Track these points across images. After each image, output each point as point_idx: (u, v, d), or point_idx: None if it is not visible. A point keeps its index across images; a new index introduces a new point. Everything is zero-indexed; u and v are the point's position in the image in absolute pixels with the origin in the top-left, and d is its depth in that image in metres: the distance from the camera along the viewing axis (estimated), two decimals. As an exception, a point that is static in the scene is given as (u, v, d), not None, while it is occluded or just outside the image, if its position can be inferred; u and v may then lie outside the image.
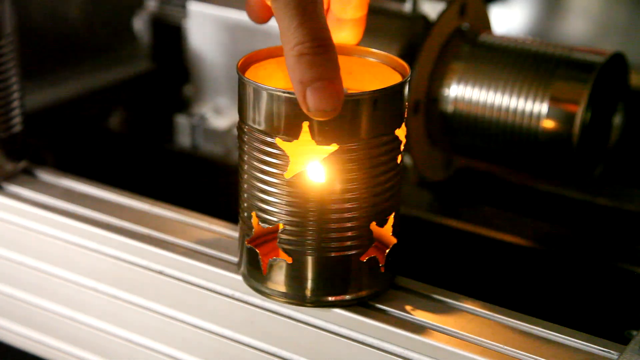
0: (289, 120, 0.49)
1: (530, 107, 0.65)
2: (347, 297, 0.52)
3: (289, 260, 0.52)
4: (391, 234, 0.53)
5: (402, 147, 0.52)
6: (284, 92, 0.48)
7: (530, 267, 0.68)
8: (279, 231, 0.51)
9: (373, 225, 0.51)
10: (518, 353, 0.49)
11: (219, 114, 0.82)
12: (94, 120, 0.88)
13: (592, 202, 0.72)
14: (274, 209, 0.51)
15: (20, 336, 0.67)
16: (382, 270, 0.53)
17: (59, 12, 0.88)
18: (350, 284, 0.52)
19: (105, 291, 0.61)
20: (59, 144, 0.84)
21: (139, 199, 0.64)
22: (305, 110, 0.47)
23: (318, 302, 0.52)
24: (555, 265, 0.68)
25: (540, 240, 0.68)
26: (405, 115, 0.51)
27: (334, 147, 0.49)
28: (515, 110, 0.66)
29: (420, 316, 0.52)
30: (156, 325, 0.59)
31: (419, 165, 0.71)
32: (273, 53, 0.54)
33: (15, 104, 0.68)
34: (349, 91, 0.50)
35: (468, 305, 0.53)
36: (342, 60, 0.55)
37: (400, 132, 0.51)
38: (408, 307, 0.53)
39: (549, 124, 0.65)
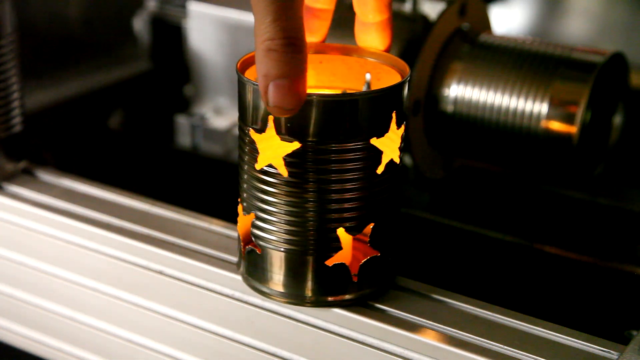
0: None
1: (530, 107, 0.65)
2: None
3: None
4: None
5: (383, 159, 0.51)
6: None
7: (530, 267, 0.68)
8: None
9: (341, 232, 0.51)
10: (518, 353, 0.49)
11: (219, 114, 0.82)
12: (94, 120, 0.88)
13: (592, 202, 0.72)
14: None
15: (20, 336, 0.67)
16: (355, 280, 0.52)
17: (59, 12, 0.88)
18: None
19: (105, 291, 0.61)
20: (59, 144, 0.84)
21: (139, 199, 0.64)
22: (265, 104, 0.47)
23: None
24: (555, 265, 0.68)
25: (541, 240, 0.68)
26: (390, 130, 0.50)
27: (295, 145, 0.49)
28: (515, 110, 0.66)
29: (420, 316, 0.52)
30: (156, 325, 0.59)
31: (419, 165, 0.71)
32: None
33: (15, 104, 0.68)
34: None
35: (468, 305, 0.53)
36: (344, 60, 0.56)
37: (382, 143, 0.50)
38: (408, 307, 0.53)
39: (549, 124, 0.65)
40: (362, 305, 0.53)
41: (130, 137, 0.87)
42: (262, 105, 0.49)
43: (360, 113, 0.49)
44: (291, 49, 0.46)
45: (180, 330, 0.58)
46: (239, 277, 0.55)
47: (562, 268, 0.67)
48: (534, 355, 0.49)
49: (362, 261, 0.52)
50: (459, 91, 0.68)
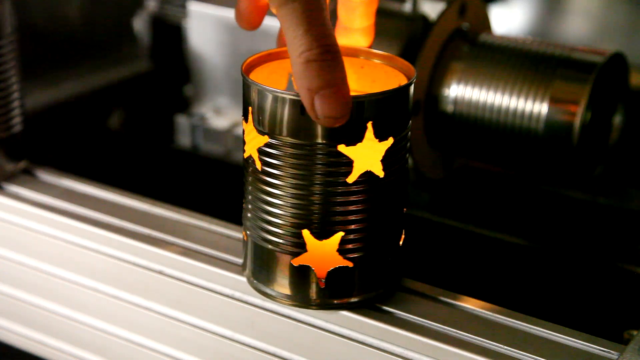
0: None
1: (530, 107, 0.65)
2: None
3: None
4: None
5: (355, 168, 0.49)
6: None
7: (530, 267, 0.68)
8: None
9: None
10: (518, 353, 0.49)
11: (219, 114, 0.82)
12: (94, 120, 0.88)
13: (592, 202, 0.72)
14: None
15: (20, 336, 0.67)
16: (322, 285, 0.51)
17: (59, 12, 0.88)
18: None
19: (105, 291, 0.61)
20: (59, 144, 0.84)
21: (139, 199, 0.64)
22: (314, 118, 0.46)
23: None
24: (555, 265, 0.68)
25: (540, 240, 0.68)
26: (364, 139, 0.49)
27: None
28: (515, 110, 0.66)
29: (420, 316, 0.52)
30: (156, 325, 0.59)
31: (419, 165, 0.71)
32: (278, 55, 0.54)
33: (15, 104, 0.68)
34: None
35: (468, 305, 0.53)
36: (347, 61, 0.56)
37: (354, 152, 0.49)
38: (408, 307, 0.53)
39: (549, 124, 0.65)
40: (364, 306, 0.53)
41: (130, 137, 0.87)
42: (297, 115, 0.48)
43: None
44: (329, 56, 0.46)
45: (180, 330, 0.58)
46: (239, 277, 0.55)
47: (562, 268, 0.67)
48: (534, 355, 0.49)
49: (329, 269, 0.51)
50: (459, 91, 0.68)
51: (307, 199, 0.50)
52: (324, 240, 0.51)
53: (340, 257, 0.51)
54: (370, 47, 0.55)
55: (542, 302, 0.66)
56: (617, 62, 0.68)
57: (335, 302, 0.52)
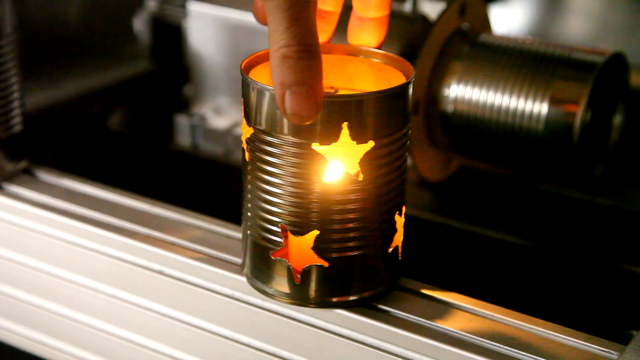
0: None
1: (530, 107, 0.65)
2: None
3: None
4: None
5: (331, 168, 0.50)
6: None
7: (530, 267, 0.68)
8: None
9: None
10: (518, 353, 0.49)
11: (219, 114, 0.82)
12: (94, 120, 0.88)
13: (592, 202, 0.72)
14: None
15: (20, 336, 0.67)
16: (297, 281, 0.52)
17: (59, 12, 0.88)
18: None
19: (105, 291, 0.61)
20: (59, 144, 0.84)
21: (139, 199, 0.64)
22: (282, 113, 0.47)
23: (322, 302, 0.52)
24: (555, 265, 0.68)
25: (540, 240, 0.68)
26: (339, 140, 0.49)
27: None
28: (515, 110, 0.66)
29: (420, 316, 0.52)
30: (156, 325, 0.59)
31: (419, 165, 0.71)
32: None
33: (15, 104, 0.68)
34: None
35: (468, 305, 0.53)
36: (347, 60, 0.56)
37: (330, 152, 0.50)
38: (408, 307, 0.53)
39: (549, 124, 0.65)
40: (363, 305, 0.53)
41: (130, 137, 0.87)
42: (265, 106, 0.49)
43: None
44: (306, 55, 0.46)
45: (180, 330, 0.58)
46: (239, 277, 0.55)
47: (562, 268, 0.67)
48: (534, 355, 0.49)
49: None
50: (459, 91, 0.68)
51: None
52: (300, 238, 0.51)
53: (315, 255, 0.51)
54: (383, 39, 0.55)
55: (542, 302, 0.66)
56: (617, 62, 0.68)
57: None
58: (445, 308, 0.53)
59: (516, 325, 0.52)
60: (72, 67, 0.89)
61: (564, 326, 0.51)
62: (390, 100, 0.50)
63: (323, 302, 0.52)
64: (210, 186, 0.79)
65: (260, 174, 0.51)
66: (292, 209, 0.50)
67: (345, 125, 0.48)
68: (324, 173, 0.50)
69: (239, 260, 0.56)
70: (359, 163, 0.50)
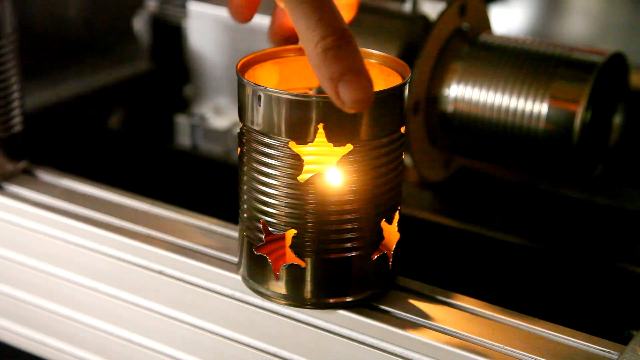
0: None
1: (530, 107, 0.65)
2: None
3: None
4: (397, 230, 0.53)
5: (306, 168, 0.50)
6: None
7: (530, 267, 0.68)
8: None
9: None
10: (518, 353, 0.49)
11: (219, 114, 0.82)
12: (94, 120, 0.88)
13: (592, 202, 0.72)
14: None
15: (20, 336, 0.67)
16: (277, 278, 0.52)
17: (59, 12, 0.88)
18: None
19: (105, 291, 0.61)
20: (59, 144, 0.84)
21: (139, 199, 0.64)
22: (340, 106, 0.46)
23: (319, 303, 0.52)
24: (555, 265, 0.68)
25: (540, 240, 0.68)
26: (314, 140, 0.49)
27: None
28: (515, 110, 0.66)
29: (421, 316, 0.52)
30: (156, 325, 0.59)
31: (419, 165, 0.71)
32: (273, 54, 0.54)
33: (15, 104, 0.68)
34: None
35: (468, 305, 0.53)
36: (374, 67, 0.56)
37: (307, 152, 0.50)
38: (408, 307, 0.53)
39: (549, 124, 0.65)
40: (363, 305, 0.53)
41: (130, 137, 0.87)
42: (296, 114, 0.48)
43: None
44: (344, 41, 0.45)
45: (180, 330, 0.58)
46: (239, 277, 0.55)
47: (561, 268, 0.67)
48: (534, 355, 0.49)
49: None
50: (459, 91, 0.68)
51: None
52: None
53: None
54: (349, 21, 0.54)
55: (542, 302, 0.66)
56: (617, 62, 0.68)
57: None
58: (445, 308, 0.53)
59: (516, 325, 0.52)
60: (72, 67, 0.89)
61: (564, 326, 0.51)
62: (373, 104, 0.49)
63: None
64: (210, 186, 0.79)
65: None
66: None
67: (321, 126, 0.48)
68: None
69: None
70: (336, 166, 0.49)
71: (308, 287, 0.52)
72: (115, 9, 0.93)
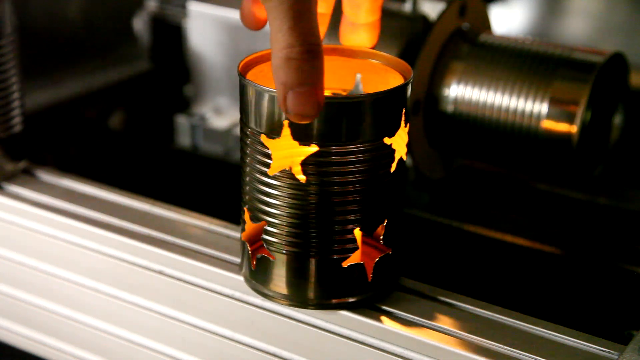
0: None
1: (530, 107, 0.65)
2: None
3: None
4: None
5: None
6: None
7: (530, 267, 0.68)
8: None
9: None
10: (518, 353, 0.49)
11: (219, 114, 0.82)
12: (94, 120, 0.88)
13: (592, 202, 0.72)
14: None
15: (20, 336, 0.67)
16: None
17: (59, 12, 0.88)
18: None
19: (105, 291, 0.61)
20: (59, 144, 0.84)
21: (139, 199, 0.64)
22: (284, 111, 0.47)
23: (320, 304, 0.52)
24: (555, 265, 0.68)
25: (541, 240, 0.69)
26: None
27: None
28: (515, 110, 0.66)
29: (420, 316, 0.52)
30: (156, 325, 0.59)
31: (419, 165, 0.71)
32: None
33: (15, 104, 0.68)
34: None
35: (468, 305, 0.53)
36: (346, 62, 0.56)
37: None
38: (408, 307, 0.53)
39: (549, 124, 0.65)
40: (364, 307, 0.53)
41: (130, 137, 0.87)
42: (265, 108, 0.49)
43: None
44: (310, 55, 0.46)
45: (180, 330, 0.58)
46: (239, 277, 0.55)
47: (561, 268, 0.67)
48: (534, 355, 0.49)
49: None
50: (459, 91, 0.68)
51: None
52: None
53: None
54: (376, 42, 0.55)
55: (542, 302, 0.66)
56: (617, 62, 0.68)
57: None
58: (445, 308, 0.53)
59: (516, 325, 0.52)
60: (72, 67, 0.89)
61: (564, 326, 0.51)
62: (335, 108, 0.49)
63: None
64: (210, 186, 0.79)
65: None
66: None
67: (286, 123, 0.49)
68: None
69: (239, 260, 0.56)
70: (301, 165, 0.49)
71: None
72: (115, 9, 0.93)
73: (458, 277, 0.67)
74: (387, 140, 0.50)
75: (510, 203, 0.74)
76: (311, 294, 0.52)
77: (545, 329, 0.51)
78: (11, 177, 0.67)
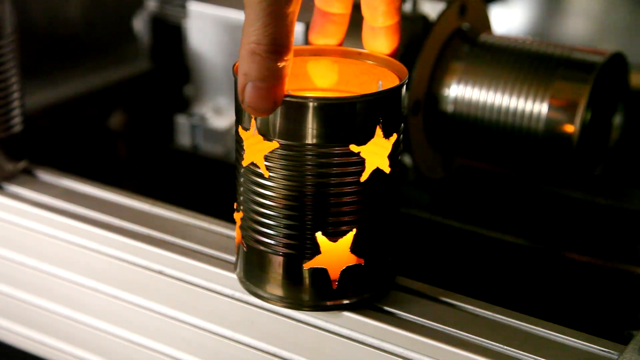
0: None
1: (530, 107, 0.65)
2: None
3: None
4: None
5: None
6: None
7: (530, 267, 0.68)
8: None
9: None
10: (518, 353, 0.49)
11: (219, 114, 0.82)
12: (94, 120, 0.88)
13: (592, 202, 0.72)
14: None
15: (20, 336, 0.67)
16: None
17: (59, 12, 0.88)
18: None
19: (105, 291, 0.61)
20: (59, 144, 0.84)
21: (139, 199, 0.64)
22: (240, 101, 0.48)
23: (315, 306, 0.52)
24: (555, 265, 0.68)
25: (541, 240, 0.69)
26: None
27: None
28: (515, 110, 0.66)
29: (420, 316, 0.52)
30: (156, 325, 0.60)
31: (419, 165, 0.71)
32: None
33: (15, 104, 0.68)
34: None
35: (468, 305, 0.53)
36: (345, 63, 0.55)
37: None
38: (408, 308, 0.53)
39: (549, 124, 0.65)
40: (364, 306, 0.53)
41: (130, 137, 0.87)
42: (292, 116, 0.49)
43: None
44: (275, 56, 0.47)
45: (180, 330, 0.58)
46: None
47: (562, 268, 0.67)
48: (534, 355, 0.49)
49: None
50: (459, 91, 0.68)
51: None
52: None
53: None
54: (397, 46, 0.55)
55: (542, 302, 0.66)
56: (617, 62, 0.68)
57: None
58: (445, 308, 0.53)
59: (516, 325, 0.52)
60: (72, 67, 0.89)
61: (564, 326, 0.51)
62: (288, 108, 0.49)
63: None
64: (210, 186, 0.79)
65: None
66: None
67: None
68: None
69: (239, 260, 0.57)
70: (264, 159, 0.50)
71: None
72: (115, 9, 0.93)
73: (458, 277, 0.67)
74: (354, 148, 0.49)
75: (510, 203, 0.74)
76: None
77: (545, 329, 0.51)
78: (11, 177, 0.67)
